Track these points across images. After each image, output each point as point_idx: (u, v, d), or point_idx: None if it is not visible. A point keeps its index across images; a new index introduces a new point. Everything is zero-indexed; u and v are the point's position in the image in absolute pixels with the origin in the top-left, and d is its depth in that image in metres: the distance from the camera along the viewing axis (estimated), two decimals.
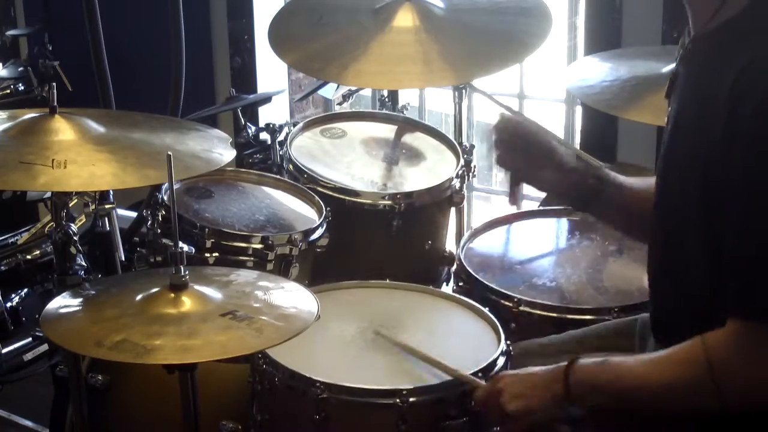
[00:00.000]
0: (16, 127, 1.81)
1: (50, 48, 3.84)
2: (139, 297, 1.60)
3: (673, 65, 2.19)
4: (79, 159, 1.73)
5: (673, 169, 1.47)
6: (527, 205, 3.67)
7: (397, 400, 1.60)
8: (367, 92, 3.58)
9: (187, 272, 1.59)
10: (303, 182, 2.31)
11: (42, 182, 1.68)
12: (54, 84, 1.88)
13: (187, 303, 1.57)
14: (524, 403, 1.52)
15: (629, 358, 1.47)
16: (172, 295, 1.58)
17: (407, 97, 2.87)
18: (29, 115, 1.85)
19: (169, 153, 1.58)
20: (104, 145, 1.79)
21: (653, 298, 1.59)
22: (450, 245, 2.49)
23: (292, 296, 1.69)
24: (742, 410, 1.32)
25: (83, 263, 1.87)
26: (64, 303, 1.66)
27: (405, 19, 2.39)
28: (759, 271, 1.27)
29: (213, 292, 1.62)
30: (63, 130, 1.79)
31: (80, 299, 1.69)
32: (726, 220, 1.29)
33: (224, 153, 1.92)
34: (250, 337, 1.51)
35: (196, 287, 1.61)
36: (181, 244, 1.60)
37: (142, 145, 1.85)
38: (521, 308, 2.01)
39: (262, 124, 2.96)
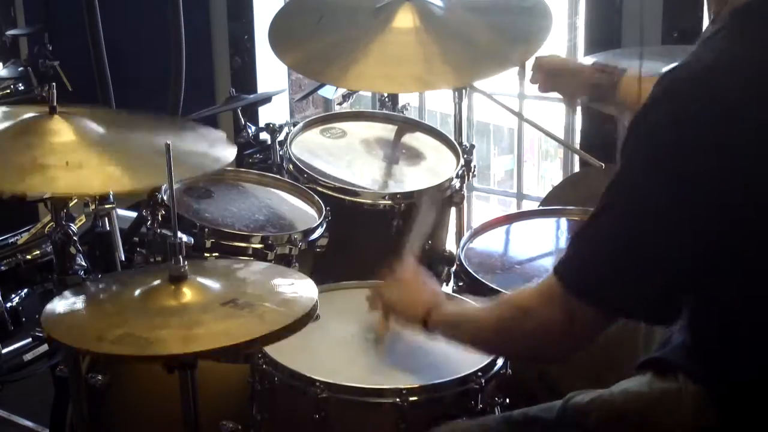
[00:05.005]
0: (15, 127, 1.80)
1: (50, 48, 3.84)
2: (139, 291, 1.61)
3: (672, 65, 2.21)
4: (85, 161, 1.71)
5: None
6: (527, 205, 3.69)
7: (397, 400, 1.60)
8: (367, 92, 3.58)
9: (186, 263, 1.60)
10: (303, 182, 2.31)
11: (49, 185, 1.67)
12: (54, 84, 1.88)
13: (187, 294, 1.58)
14: (396, 312, 1.76)
15: (475, 308, 1.63)
16: (172, 287, 1.58)
17: (407, 97, 2.86)
18: (29, 114, 1.83)
19: (167, 142, 1.57)
20: (104, 146, 1.78)
21: None
22: (450, 245, 2.49)
23: (291, 282, 1.69)
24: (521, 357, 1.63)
25: (83, 263, 1.86)
26: (64, 301, 1.66)
27: (405, 19, 2.39)
28: (575, 242, 1.41)
29: (212, 283, 1.62)
30: (63, 130, 1.78)
31: (80, 296, 1.68)
32: None
33: (225, 152, 1.92)
34: (253, 324, 1.51)
35: (196, 278, 1.61)
36: (179, 234, 1.59)
37: (142, 146, 1.85)
38: None
39: (262, 124, 2.97)
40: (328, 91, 3.32)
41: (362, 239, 2.30)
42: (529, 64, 2.21)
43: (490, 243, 2.33)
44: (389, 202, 2.26)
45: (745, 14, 1.32)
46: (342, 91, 3.07)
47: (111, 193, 2.18)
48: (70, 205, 1.88)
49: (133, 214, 2.77)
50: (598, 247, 1.36)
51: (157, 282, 1.61)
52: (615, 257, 1.33)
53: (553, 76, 2.17)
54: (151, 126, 1.99)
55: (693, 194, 1.26)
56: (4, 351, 2.67)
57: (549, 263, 2.23)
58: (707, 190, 1.26)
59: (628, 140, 1.33)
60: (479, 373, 1.67)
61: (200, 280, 1.61)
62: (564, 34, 3.36)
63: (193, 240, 1.98)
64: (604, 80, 2.04)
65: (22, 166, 1.68)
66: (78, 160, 1.71)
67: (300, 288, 1.66)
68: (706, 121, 1.25)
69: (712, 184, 1.26)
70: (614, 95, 2.02)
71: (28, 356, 2.70)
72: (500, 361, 1.72)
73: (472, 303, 1.71)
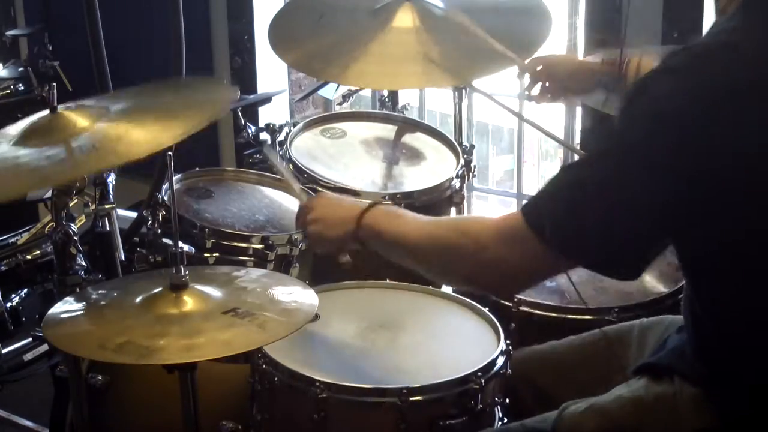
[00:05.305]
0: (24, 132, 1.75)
1: (50, 48, 3.84)
2: (140, 298, 1.61)
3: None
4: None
5: None
6: None
7: (397, 400, 1.60)
8: (367, 92, 3.58)
9: (187, 272, 1.60)
10: (303, 182, 2.31)
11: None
12: (54, 84, 1.88)
13: (188, 302, 1.58)
14: (321, 228, 1.70)
15: (416, 217, 1.60)
16: (174, 295, 1.58)
17: (407, 97, 2.87)
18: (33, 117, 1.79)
19: (169, 153, 1.57)
20: (120, 119, 1.72)
21: None
22: None
23: (292, 291, 1.69)
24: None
25: (83, 263, 1.86)
26: (65, 308, 1.66)
27: (405, 19, 2.39)
28: (543, 187, 1.40)
29: (213, 291, 1.62)
30: (76, 119, 1.72)
31: (81, 303, 1.69)
32: None
33: (227, 93, 1.91)
34: (254, 333, 1.52)
35: (197, 286, 1.61)
36: (181, 243, 1.60)
37: (153, 108, 1.80)
38: (521, 308, 2.01)
39: (262, 124, 2.96)
40: (328, 91, 3.32)
41: None
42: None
43: None
44: (389, 202, 2.25)
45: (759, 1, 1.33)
46: (342, 91, 3.07)
47: (111, 192, 2.19)
48: (70, 205, 1.88)
49: (133, 214, 2.77)
50: (570, 195, 1.35)
51: (158, 289, 1.61)
52: (588, 208, 1.33)
53: (559, 84, 2.09)
54: (150, 89, 1.96)
55: (692, 163, 1.26)
56: (4, 351, 2.68)
57: None
58: (707, 161, 1.26)
59: (630, 99, 1.33)
60: (479, 373, 1.66)
61: (201, 288, 1.61)
62: (564, 34, 3.36)
63: (194, 249, 1.99)
64: (614, 73, 1.95)
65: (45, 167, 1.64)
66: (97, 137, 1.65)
67: (300, 297, 1.66)
68: (716, 96, 1.25)
69: (713, 160, 1.26)
70: (622, 85, 1.93)
71: (28, 356, 2.71)
72: (500, 361, 1.72)
73: (404, 211, 1.65)
